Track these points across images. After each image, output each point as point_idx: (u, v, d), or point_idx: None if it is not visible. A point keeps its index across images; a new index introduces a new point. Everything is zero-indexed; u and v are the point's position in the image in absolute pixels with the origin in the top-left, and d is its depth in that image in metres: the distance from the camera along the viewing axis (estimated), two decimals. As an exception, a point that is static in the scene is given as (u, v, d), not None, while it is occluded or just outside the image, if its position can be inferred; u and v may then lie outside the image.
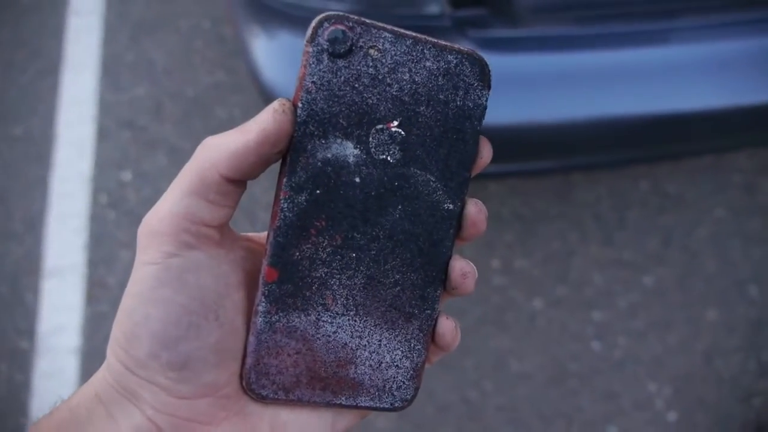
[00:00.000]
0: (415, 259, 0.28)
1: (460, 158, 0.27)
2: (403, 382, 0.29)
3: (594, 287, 1.35)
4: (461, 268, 0.28)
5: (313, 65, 0.25)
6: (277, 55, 0.87)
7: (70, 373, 1.27)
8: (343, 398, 0.28)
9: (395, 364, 0.29)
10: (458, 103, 0.27)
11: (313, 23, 0.25)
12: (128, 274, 1.35)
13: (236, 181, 0.26)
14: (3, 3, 1.70)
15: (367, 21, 0.26)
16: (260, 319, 0.27)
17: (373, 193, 0.27)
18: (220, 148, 0.25)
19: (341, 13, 0.26)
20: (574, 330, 1.31)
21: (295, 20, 0.83)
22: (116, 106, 1.54)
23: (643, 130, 0.92)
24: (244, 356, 0.27)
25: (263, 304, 0.27)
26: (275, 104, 0.25)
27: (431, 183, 0.27)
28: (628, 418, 1.25)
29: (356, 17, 0.26)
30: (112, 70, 1.59)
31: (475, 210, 0.28)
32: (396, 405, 0.29)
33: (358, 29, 0.26)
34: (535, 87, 0.85)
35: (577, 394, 1.27)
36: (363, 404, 0.29)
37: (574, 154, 1.03)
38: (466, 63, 0.27)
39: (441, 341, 0.29)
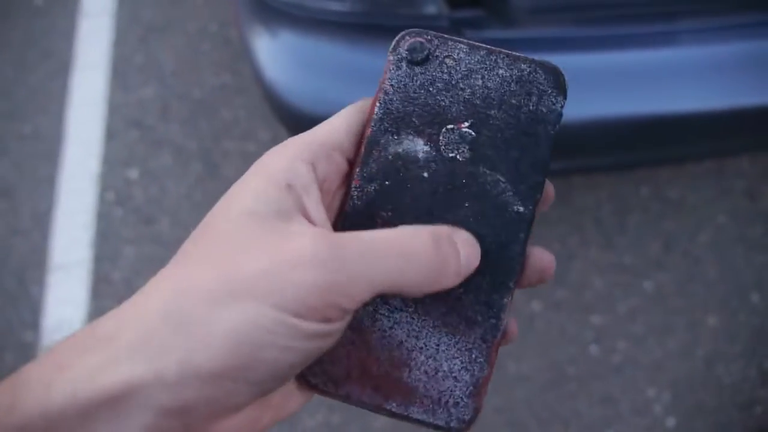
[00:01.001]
0: (480, 261, 0.27)
1: (531, 161, 0.28)
2: (461, 398, 0.27)
3: (593, 291, 1.35)
4: (541, 259, 0.28)
5: (392, 71, 0.28)
6: (279, 55, 0.88)
7: (73, 367, 1.29)
8: (394, 404, 0.27)
9: (453, 375, 0.27)
10: (531, 107, 0.28)
11: (397, 37, 0.28)
12: (133, 271, 1.37)
13: None
14: (15, 4, 1.74)
15: (445, 35, 0.28)
16: None
17: (440, 189, 0.27)
18: None
19: (421, 30, 0.28)
20: (572, 333, 1.32)
21: (297, 20, 0.85)
22: (124, 106, 1.57)
23: (640, 132, 0.93)
24: None
25: None
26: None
27: (501, 183, 0.28)
28: (626, 423, 1.25)
29: (434, 32, 0.28)
30: (122, 71, 1.62)
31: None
32: (452, 425, 0.27)
33: (436, 41, 0.28)
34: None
35: (575, 397, 1.27)
36: (414, 416, 0.27)
37: (571, 156, 1.04)
38: (540, 71, 0.28)
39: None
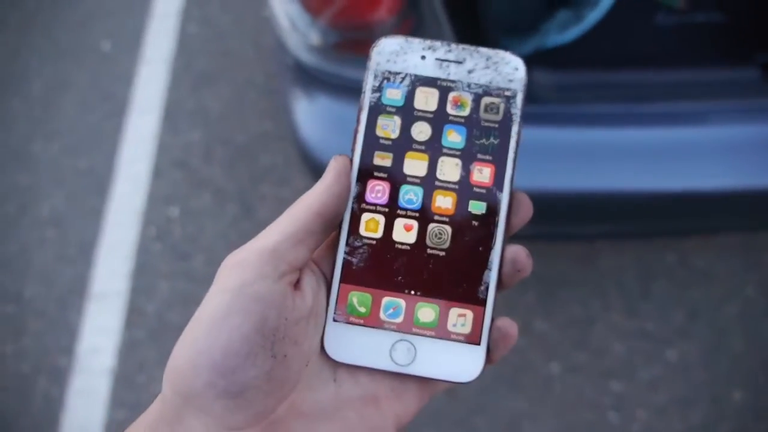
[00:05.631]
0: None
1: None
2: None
3: (614, 356, 1.34)
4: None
5: None
6: (314, 116, 0.95)
7: (102, 393, 1.34)
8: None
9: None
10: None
11: None
12: (165, 305, 1.44)
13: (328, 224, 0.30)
14: (85, 49, 1.90)
15: None
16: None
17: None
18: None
19: None
20: (591, 398, 1.30)
21: (333, 87, 0.92)
22: (172, 147, 1.68)
23: (667, 206, 0.95)
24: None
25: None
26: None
27: None
28: (644, 497, 1.22)
29: None
30: (173, 115, 1.74)
31: None
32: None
33: None
34: (552, 158, 0.90)
35: (591, 465, 1.24)
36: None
37: (595, 223, 1.06)
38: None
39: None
